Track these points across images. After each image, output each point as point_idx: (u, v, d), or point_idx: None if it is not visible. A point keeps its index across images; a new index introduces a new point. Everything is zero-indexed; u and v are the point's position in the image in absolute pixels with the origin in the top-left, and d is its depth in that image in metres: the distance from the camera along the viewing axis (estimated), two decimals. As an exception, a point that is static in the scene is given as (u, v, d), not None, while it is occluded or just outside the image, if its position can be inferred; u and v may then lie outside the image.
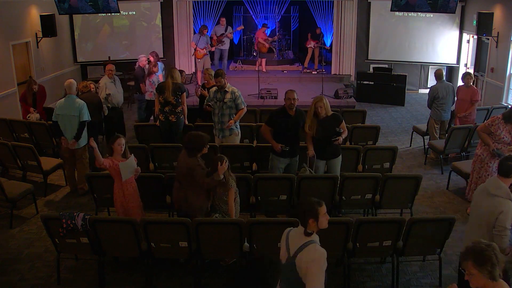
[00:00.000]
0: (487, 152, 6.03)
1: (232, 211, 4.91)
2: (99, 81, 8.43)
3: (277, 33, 14.81)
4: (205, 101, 6.94)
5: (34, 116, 8.29)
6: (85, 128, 6.65)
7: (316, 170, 5.93)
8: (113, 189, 5.07)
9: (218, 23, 13.18)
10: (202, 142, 4.85)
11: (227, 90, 6.66)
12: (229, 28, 12.96)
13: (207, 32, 12.03)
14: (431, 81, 12.37)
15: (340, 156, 5.96)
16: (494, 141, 5.96)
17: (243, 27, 14.24)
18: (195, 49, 11.86)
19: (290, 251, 3.18)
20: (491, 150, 5.96)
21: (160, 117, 7.27)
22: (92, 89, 7.60)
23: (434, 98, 8.06)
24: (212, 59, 12.70)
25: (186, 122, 7.42)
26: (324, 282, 3.07)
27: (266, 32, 14.20)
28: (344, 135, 5.75)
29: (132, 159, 5.09)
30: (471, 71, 11.77)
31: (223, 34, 12.66)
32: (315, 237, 3.20)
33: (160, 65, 9.61)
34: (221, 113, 6.68)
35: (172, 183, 5.16)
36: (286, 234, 3.30)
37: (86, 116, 6.57)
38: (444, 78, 8.34)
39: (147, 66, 9.17)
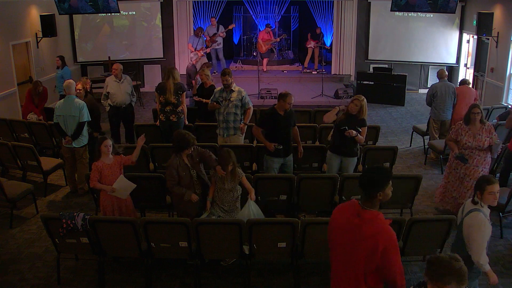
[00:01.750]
0: (453, 158, 5.92)
1: (252, 192, 4.98)
2: (106, 78, 8.45)
3: (283, 33, 14.76)
4: (210, 100, 6.86)
5: (35, 117, 8.30)
6: (86, 128, 6.65)
7: (330, 168, 5.96)
8: (101, 195, 5.06)
9: (209, 23, 13.22)
10: (186, 143, 4.88)
11: (233, 89, 6.64)
12: (221, 27, 13.00)
13: (202, 34, 12.07)
14: (431, 81, 12.36)
15: (355, 158, 5.96)
16: (461, 148, 5.81)
17: (234, 25, 14.16)
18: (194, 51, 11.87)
19: (462, 214, 3.71)
20: (453, 155, 5.86)
21: (160, 117, 7.26)
22: (88, 86, 7.61)
23: (432, 96, 8.05)
24: (209, 59, 12.71)
25: (186, 122, 7.42)
26: (485, 247, 3.50)
27: (269, 32, 14.13)
28: (358, 137, 5.70)
29: (128, 184, 5.07)
30: (471, 71, 11.82)
31: (215, 33, 12.71)
32: (484, 208, 3.59)
33: (66, 69, 9.67)
34: (226, 112, 6.63)
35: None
36: (465, 201, 3.83)
37: (86, 117, 6.56)
38: (446, 79, 8.33)
39: (198, 64, 9.34)
